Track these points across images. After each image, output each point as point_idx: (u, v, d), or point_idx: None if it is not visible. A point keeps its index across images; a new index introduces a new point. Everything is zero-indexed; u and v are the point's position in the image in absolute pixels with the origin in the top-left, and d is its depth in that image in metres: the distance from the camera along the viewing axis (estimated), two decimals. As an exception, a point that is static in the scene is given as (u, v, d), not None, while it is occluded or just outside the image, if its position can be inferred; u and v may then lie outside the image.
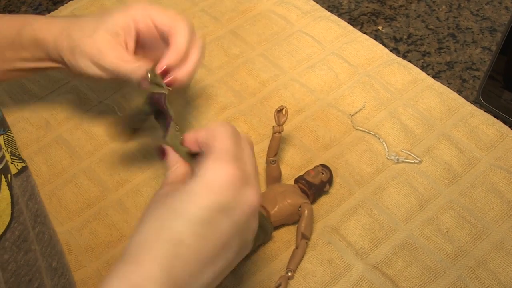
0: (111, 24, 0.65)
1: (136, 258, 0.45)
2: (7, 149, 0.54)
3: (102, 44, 0.64)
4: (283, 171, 0.76)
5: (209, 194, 0.46)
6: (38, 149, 0.81)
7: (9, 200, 0.49)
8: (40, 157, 0.80)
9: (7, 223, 0.48)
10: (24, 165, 0.56)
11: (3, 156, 0.50)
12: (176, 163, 0.53)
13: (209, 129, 0.51)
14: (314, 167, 0.74)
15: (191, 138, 0.53)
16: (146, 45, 0.67)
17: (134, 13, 0.65)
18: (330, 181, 0.74)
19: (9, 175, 0.50)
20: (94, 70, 0.65)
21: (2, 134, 0.54)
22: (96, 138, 0.81)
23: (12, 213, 0.49)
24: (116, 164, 0.79)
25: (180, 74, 0.64)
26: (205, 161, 0.48)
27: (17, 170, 0.54)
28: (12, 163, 0.54)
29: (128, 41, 0.66)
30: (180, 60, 0.64)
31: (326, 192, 0.74)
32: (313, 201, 0.73)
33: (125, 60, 0.64)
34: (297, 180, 0.73)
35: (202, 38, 0.67)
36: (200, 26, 0.94)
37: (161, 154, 0.55)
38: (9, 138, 0.54)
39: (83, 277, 0.69)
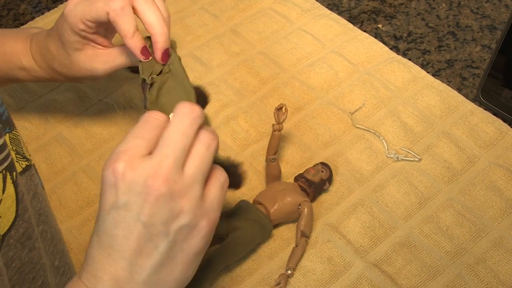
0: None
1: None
2: (12, 148, 0.54)
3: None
4: (283, 169, 0.76)
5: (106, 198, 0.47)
6: (37, 147, 0.81)
7: (14, 197, 0.49)
8: (40, 155, 0.80)
9: (11, 220, 0.49)
10: (28, 164, 0.56)
11: (9, 154, 0.50)
12: None
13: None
14: (314, 165, 0.74)
15: None
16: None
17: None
18: (330, 179, 0.74)
19: (14, 173, 0.50)
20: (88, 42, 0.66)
21: (8, 133, 0.54)
22: (95, 136, 0.81)
23: (17, 211, 0.49)
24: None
25: (156, 43, 0.63)
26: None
27: (21, 169, 0.54)
28: (16, 162, 0.54)
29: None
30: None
31: (326, 190, 0.75)
32: (312, 199, 0.73)
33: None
34: (296, 178, 0.73)
35: None
36: (200, 24, 0.94)
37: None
38: (14, 137, 0.55)
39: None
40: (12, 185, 0.49)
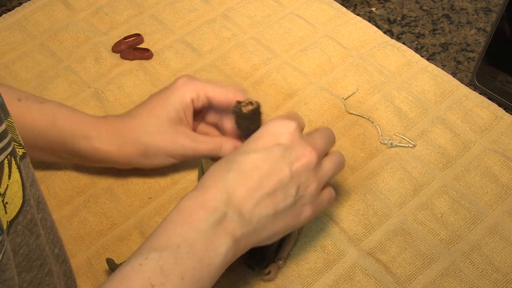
0: (172, 112, 0.69)
1: (203, 185, 0.57)
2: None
3: (173, 136, 0.69)
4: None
5: (270, 137, 0.59)
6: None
7: (20, 183, 0.49)
8: (29, 144, 0.79)
9: (19, 206, 0.48)
10: (24, 151, 0.55)
11: (11, 140, 0.49)
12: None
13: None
14: None
15: None
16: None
17: (190, 93, 0.69)
18: None
19: (17, 158, 0.50)
20: (169, 161, 0.70)
21: (4, 120, 0.53)
22: (85, 124, 0.80)
23: (23, 196, 0.49)
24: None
25: None
26: (271, 119, 0.61)
27: (19, 156, 0.54)
28: None
29: (189, 120, 0.70)
30: None
31: None
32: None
33: (200, 141, 0.69)
34: None
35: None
36: (191, 9, 0.93)
37: None
38: (10, 124, 0.54)
39: (73, 267, 0.68)
40: (17, 170, 0.49)
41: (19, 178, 0.49)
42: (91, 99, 0.83)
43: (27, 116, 0.68)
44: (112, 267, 0.65)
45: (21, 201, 0.48)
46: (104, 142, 0.69)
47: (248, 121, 0.65)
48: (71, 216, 0.73)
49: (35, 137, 0.69)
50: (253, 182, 0.56)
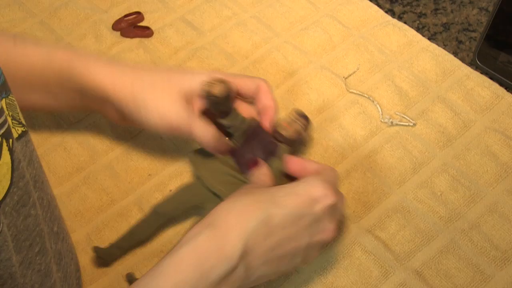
0: (185, 85, 0.66)
1: (223, 222, 0.54)
2: (8, 113, 0.54)
3: (174, 106, 0.65)
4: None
5: (307, 200, 0.57)
6: (25, 114, 0.79)
7: (10, 165, 0.49)
8: (28, 121, 0.77)
9: (6, 188, 0.48)
10: (24, 129, 0.55)
11: (5, 120, 0.49)
12: (264, 173, 0.64)
13: (321, 166, 0.63)
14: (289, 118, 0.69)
15: (298, 162, 0.65)
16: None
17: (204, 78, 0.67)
18: (306, 127, 0.69)
19: (10, 140, 0.50)
20: (158, 126, 0.66)
21: (4, 98, 0.53)
22: (85, 102, 0.80)
23: (12, 178, 0.49)
24: (106, 128, 0.77)
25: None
26: (314, 177, 0.59)
27: (17, 135, 0.54)
28: (13, 128, 0.53)
29: (194, 107, 0.67)
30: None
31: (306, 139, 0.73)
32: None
33: (196, 124, 0.65)
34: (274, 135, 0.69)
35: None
36: (191, -12, 0.92)
37: (252, 163, 0.65)
38: (11, 102, 0.54)
39: (73, 242, 0.68)
40: (8, 152, 0.49)
41: (10, 160, 0.49)
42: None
43: (23, 58, 0.67)
44: (131, 280, 0.65)
45: (8, 183, 0.48)
46: (101, 73, 0.66)
47: (218, 105, 0.64)
48: (71, 192, 0.73)
49: (32, 78, 0.68)
50: (273, 242, 0.55)
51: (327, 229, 0.58)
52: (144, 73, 0.67)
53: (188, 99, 0.66)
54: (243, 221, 0.54)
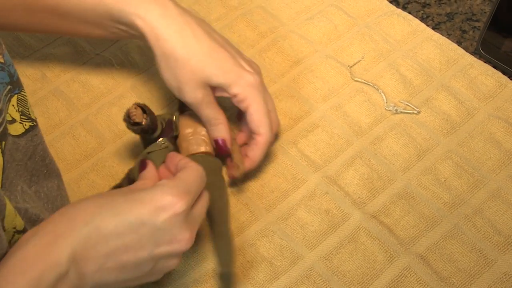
0: (212, 73, 0.67)
1: (54, 228, 0.51)
2: (18, 109, 0.54)
3: (198, 78, 0.66)
4: (281, 122, 0.75)
5: (151, 208, 0.53)
6: (34, 102, 0.80)
7: (1, 166, 0.50)
8: (37, 109, 0.79)
9: None
10: (32, 124, 0.56)
11: (3, 121, 0.50)
12: (145, 175, 0.61)
13: (188, 162, 0.59)
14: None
15: (171, 161, 0.62)
16: None
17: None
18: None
19: (3, 142, 0.51)
20: (171, 85, 0.67)
21: (17, 94, 0.54)
22: (93, 90, 0.81)
23: (2, 179, 0.50)
24: (114, 115, 0.78)
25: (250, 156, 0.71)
26: (165, 182, 0.55)
27: (24, 130, 0.54)
28: (20, 123, 0.55)
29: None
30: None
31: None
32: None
33: (207, 107, 0.68)
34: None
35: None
36: (197, -22, 0.93)
37: (142, 167, 0.62)
38: (22, 98, 0.55)
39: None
40: (0, 154, 0.50)
41: (1, 161, 0.50)
42: (98, 64, 0.83)
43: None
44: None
45: None
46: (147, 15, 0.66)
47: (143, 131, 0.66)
48: (79, 179, 0.74)
49: (83, 13, 0.68)
50: (106, 249, 0.52)
51: (179, 239, 0.54)
52: (190, 40, 0.67)
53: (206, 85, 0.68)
54: (72, 227, 0.51)
